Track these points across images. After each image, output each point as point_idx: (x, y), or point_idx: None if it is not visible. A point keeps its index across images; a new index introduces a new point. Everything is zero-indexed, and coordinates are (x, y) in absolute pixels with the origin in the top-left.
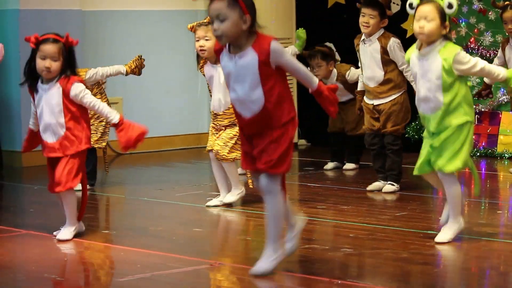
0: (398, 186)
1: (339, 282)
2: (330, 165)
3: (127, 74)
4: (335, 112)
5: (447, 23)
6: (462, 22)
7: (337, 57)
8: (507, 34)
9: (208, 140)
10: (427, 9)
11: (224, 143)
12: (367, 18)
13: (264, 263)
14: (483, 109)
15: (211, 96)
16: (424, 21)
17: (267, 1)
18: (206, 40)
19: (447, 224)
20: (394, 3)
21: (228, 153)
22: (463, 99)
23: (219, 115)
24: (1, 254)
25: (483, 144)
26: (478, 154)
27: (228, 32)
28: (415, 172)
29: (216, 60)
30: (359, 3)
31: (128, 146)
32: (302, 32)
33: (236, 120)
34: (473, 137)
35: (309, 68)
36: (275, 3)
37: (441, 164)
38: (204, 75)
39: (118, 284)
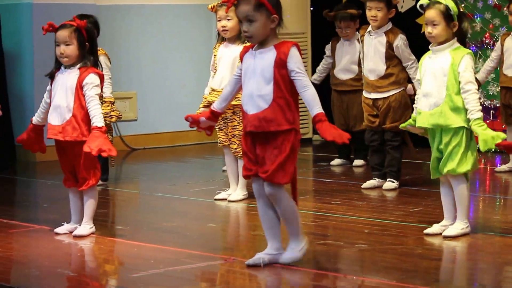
0: (398, 183)
1: (354, 278)
2: (336, 161)
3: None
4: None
5: (454, 22)
6: (477, 18)
7: None
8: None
9: (218, 136)
10: (432, 14)
11: (240, 140)
12: (374, 11)
13: (291, 253)
14: (498, 105)
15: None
16: (431, 26)
17: None
18: (228, 20)
19: (456, 221)
20: None
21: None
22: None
23: (217, 91)
24: (14, 249)
25: None
26: (492, 150)
27: (257, 33)
28: (432, 176)
29: (235, 40)
30: None
31: (91, 148)
32: None
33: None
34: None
35: (336, 29)
36: None
37: (451, 167)
38: (215, 55)
39: (131, 279)
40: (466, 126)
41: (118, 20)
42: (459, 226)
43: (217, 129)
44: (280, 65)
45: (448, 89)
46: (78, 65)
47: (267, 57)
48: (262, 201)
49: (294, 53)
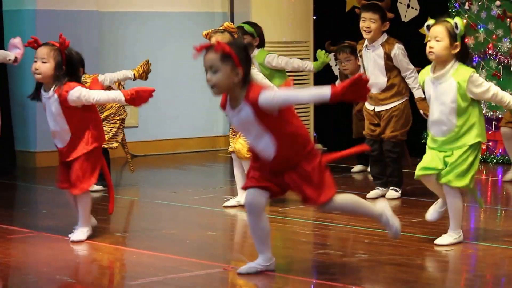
0: (400, 190)
1: (353, 287)
2: (357, 167)
3: (135, 78)
4: (365, 98)
5: (457, 43)
6: (480, 28)
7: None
8: None
9: (230, 142)
10: (438, 30)
11: (244, 141)
12: (367, 22)
13: None
14: (500, 115)
15: None
16: (434, 41)
17: (284, 4)
18: None
19: (448, 232)
20: (412, 7)
21: (248, 151)
22: (477, 120)
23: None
24: (13, 255)
25: (500, 151)
26: (494, 161)
27: (220, 83)
28: (416, 176)
29: None
30: (358, 8)
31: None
32: (325, 56)
33: None
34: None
35: (336, 62)
36: (292, 6)
37: (450, 178)
38: None
39: (130, 287)
40: (480, 140)
41: (121, 27)
42: (452, 235)
43: (230, 136)
44: (260, 115)
45: (459, 114)
46: (53, 87)
47: (245, 115)
48: (255, 215)
49: (264, 101)
